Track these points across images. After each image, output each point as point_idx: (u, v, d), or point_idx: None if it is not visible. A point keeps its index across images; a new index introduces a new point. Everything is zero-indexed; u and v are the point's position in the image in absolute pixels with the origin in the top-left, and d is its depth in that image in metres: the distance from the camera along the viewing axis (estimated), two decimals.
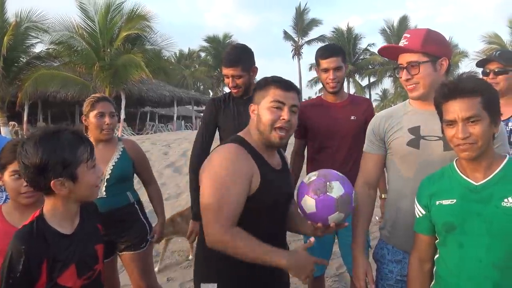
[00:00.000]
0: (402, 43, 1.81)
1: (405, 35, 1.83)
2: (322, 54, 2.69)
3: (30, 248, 1.34)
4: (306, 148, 2.92)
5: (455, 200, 1.49)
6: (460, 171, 1.53)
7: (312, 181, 1.62)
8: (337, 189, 1.58)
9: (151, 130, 23.74)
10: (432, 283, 1.62)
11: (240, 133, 1.75)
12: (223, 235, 1.53)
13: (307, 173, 2.77)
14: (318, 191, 1.58)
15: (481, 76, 2.77)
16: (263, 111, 1.66)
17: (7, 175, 1.66)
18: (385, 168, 2.01)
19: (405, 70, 1.78)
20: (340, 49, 2.78)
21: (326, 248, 2.77)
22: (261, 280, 1.67)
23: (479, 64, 2.77)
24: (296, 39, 42.57)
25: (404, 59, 1.79)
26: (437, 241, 1.57)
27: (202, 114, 2.87)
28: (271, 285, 1.73)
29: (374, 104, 44.14)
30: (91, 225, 1.60)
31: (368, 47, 40.76)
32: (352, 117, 2.69)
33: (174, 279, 4.01)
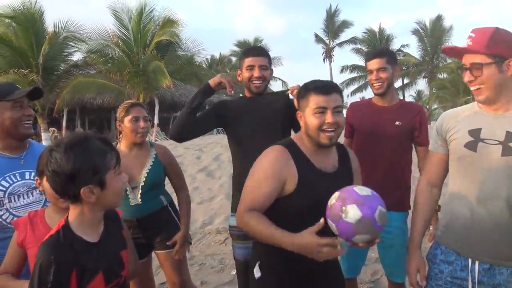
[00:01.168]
0: (466, 43, 1.73)
1: (470, 34, 1.73)
2: (368, 56, 2.76)
3: (60, 258, 1.32)
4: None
5: None
6: None
7: (332, 205, 1.61)
8: (353, 214, 1.54)
9: None
10: None
11: (293, 136, 1.90)
12: (243, 216, 1.74)
13: None
14: (336, 217, 1.57)
15: None
16: (309, 118, 1.77)
17: (45, 181, 1.68)
18: None
19: (468, 71, 1.71)
20: (386, 51, 2.77)
21: (360, 253, 2.75)
22: (293, 267, 1.80)
23: None
24: (327, 41, 42.24)
25: (467, 59, 1.72)
26: None
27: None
28: (304, 274, 1.82)
29: None
30: (115, 232, 1.61)
31: (401, 48, 39.96)
32: (397, 122, 2.64)
33: (208, 283, 4.03)
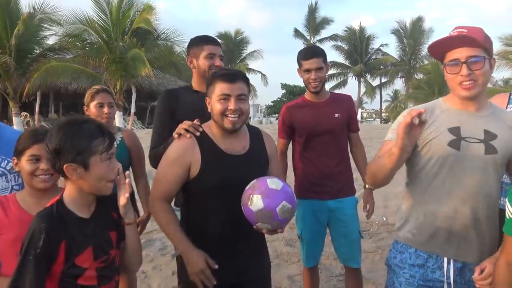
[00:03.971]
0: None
1: (459, 30, 1.69)
2: (304, 55, 2.79)
3: (51, 227, 1.43)
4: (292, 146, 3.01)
5: None
6: None
7: (245, 190, 1.75)
8: (256, 203, 1.68)
9: None
10: None
11: (204, 124, 1.98)
12: (153, 205, 1.95)
13: (295, 171, 2.95)
14: (244, 202, 1.73)
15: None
16: (214, 104, 1.87)
17: (24, 160, 1.68)
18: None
19: (464, 65, 1.64)
20: (322, 50, 2.86)
21: (317, 241, 2.91)
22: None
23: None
24: (308, 37, 42.40)
25: (464, 53, 1.64)
26: None
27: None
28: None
29: (385, 105, 43.79)
30: (106, 213, 1.64)
31: (381, 47, 40.54)
32: (336, 115, 2.81)
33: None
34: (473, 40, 1.63)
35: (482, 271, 1.58)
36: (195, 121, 2.00)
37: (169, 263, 4.23)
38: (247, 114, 1.92)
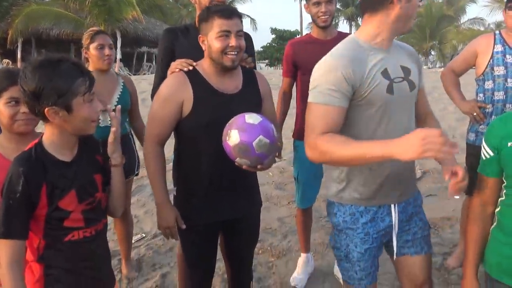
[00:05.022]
0: None
1: None
2: None
3: (29, 171, 1.40)
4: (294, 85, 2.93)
5: None
6: None
7: (225, 126, 1.75)
8: (234, 138, 1.68)
9: (148, 71, 23.36)
10: (493, 225, 1.55)
11: (198, 62, 1.93)
12: (146, 147, 1.95)
13: (296, 111, 2.89)
14: (223, 137, 1.74)
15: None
16: (212, 41, 1.81)
17: (1, 104, 1.59)
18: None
19: None
20: None
21: (313, 184, 2.92)
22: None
23: None
24: None
25: None
26: (504, 184, 1.49)
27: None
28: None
29: None
30: (90, 156, 1.60)
31: None
32: None
33: None
34: None
35: (454, 173, 1.48)
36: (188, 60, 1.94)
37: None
38: (244, 50, 1.89)
